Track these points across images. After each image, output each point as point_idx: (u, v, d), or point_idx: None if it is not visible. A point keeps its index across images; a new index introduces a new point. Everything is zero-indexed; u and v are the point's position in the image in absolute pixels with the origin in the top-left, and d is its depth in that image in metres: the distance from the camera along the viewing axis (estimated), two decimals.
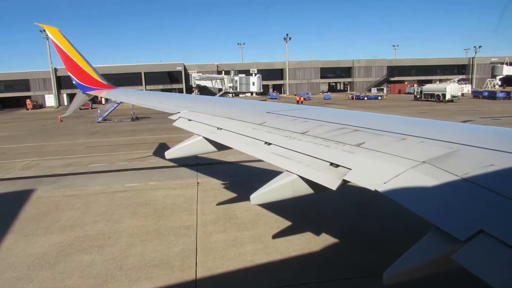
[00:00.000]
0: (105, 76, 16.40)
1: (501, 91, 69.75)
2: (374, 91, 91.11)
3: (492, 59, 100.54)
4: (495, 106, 52.27)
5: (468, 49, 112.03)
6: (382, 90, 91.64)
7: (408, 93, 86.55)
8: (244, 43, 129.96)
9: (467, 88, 78.01)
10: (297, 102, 66.16)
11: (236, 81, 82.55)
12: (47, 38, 68.52)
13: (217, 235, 9.96)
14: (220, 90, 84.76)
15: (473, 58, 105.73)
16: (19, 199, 13.71)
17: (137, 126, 38.45)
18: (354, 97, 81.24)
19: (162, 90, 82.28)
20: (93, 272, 8.17)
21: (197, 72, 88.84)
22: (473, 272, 2.09)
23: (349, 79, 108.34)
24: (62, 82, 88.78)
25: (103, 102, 61.67)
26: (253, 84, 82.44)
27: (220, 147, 6.62)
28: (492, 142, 3.59)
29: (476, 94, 75.21)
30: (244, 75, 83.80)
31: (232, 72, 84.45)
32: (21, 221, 11.49)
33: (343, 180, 3.55)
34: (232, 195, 13.24)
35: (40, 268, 8.40)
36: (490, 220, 2.37)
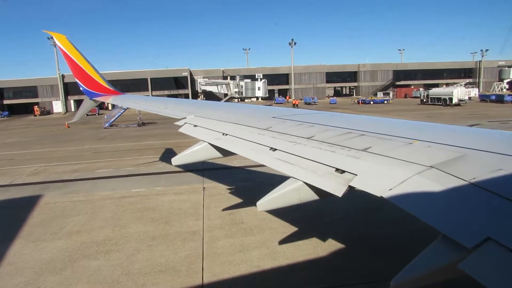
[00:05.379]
0: (111, 82, 16.55)
1: (509, 95, 69.15)
2: (380, 95, 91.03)
3: (499, 63, 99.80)
4: (503, 110, 51.85)
5: (475, 52, 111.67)
6: (388, 94, 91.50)
7: (415, 97, 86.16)
8: (249, 48, 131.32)
9: (474, 92, 77.46)
10: (294, 105, 67.76)
11: (242, 86, 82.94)
12: (55, 45, 69.48)
13: (223, 240, 9.94)
14: (225, 95, 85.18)
15: (480, 61, 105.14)
16: (27, 204, 13.82)
17: (144, 132, 38.67)
18: (360, 101, 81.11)
19: (168, 95, 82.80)
20: (99, 277, 8.19)
21: (203, 78, 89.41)
22: (480, 281, 2.05)
23: (355, 84, 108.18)
24: (70, 89, 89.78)
25: (110, 108, 62.19)
26: (259, 89, 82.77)
27: (225, 153, 6.63)
28: (500, 146, 3.55)
29: (483, 98, 74.71)
30: (249, 80, 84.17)
31: (237, 77, 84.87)
32: (28, 226, 11.57)
33: (349, 186, 3.54)
34: (238, 200, 13.24)
35: (47, 274, 8.44)
36: (498, 227, 2.33)
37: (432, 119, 41.64)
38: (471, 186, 2.81)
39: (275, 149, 4.99)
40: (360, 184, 3.46)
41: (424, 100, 70.35)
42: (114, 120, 47.03)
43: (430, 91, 70.90)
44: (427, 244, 2.60)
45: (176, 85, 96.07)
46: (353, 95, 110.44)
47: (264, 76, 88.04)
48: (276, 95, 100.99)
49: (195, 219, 11.62)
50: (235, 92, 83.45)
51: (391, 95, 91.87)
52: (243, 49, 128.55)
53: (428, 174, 3.18)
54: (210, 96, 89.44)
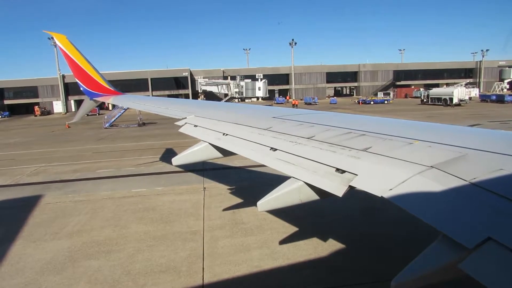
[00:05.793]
0: (112, 82, 16.56)
1: (509, 95, 69.10)
2: (380, 95, 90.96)
3: (500, 63, 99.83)
4: (503, 110, 51.83)
5: (475, 52, 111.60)
6: (388, 94, 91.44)
7: (415, 97, 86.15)
8: (250, 49, 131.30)
9: (474, 92, 77.38)
10: (293, 105, 68.78)
11: (242, 86, 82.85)
12: (55, 45, 69.45)
13: (223, 240, 9.94)
14: (226, 95, 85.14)
15: (480, 61, 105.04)
16: (27, 204, 13.83)
17: (144, 132, 38.68)
18: (361, 101, 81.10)
19: (169, 95, 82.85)
20: (100, 277, 8.19)
21: (203, 78, 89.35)
22: (480, 281, 2.05)
23: (355, 84, 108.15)
24: (70, 89, 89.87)
25: (110, 108, 62.20)
26: (259, 89, 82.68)
27: (226, 153, 6.63)
28: (501, 146, 3.55)
29: (483, 98, 74.65)
30: (250, 80, 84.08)
31: (238, 77, 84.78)
32: (29, 226, 11.58)
33: (349, 186, 3.53)
34: (238, 200, 13.24)
35: (48, 274, 8.45)
36: (498, 227, 2.33)
37: (432, 119, 41.63)
38: (471, 186, 2.80)
39: (276, 149, 4.99)
40: (361, 184, 3.46)
41: (425, 100, 70.33)
42: (114, 120, 47.04)
43: (430, 91, 70.86)
44: (427, 244, 2.60)
45: (177, 85, 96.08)
46: (353, 95, 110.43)
47: (265, 76, 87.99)
48: (277, 95, 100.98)
49: (195, 219, 11.62)
50: (236, 92, 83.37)
51: (391, 95, 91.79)
52: (244, 49, 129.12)
53: (428, 174, 3.17)
54: (210, 96, 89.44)
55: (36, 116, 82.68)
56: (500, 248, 2.15)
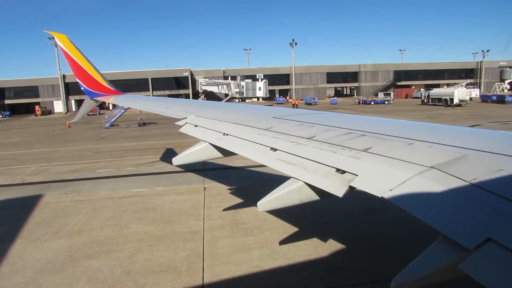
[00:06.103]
0: (112, 82, 16.57)
1: (510, 95, 69.01)
2: (381, 95, 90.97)
3: (501, 63, 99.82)
4: (504, 110, 51.77)
5: (476, 53, 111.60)
6: (389, 94, 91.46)
7: (416, 97, 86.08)
8: (250, 49, 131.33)
9: (475, 92, 77.29)
10: (293, 105, 69.17)
11: (243, 86, 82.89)
12: (56, 45, 69.47)
13: (224, 240, 9.94)
14: (226, 95, 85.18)
15: (481, 62, 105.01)
16: (28, 204, 13.84)
17: (144, 132, 38.69)
18: (361, 101, 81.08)
19: (169, 95, 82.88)
20: (100, 277, 8.19)
21: (204, 78, 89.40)
22: (480, 281, 2.05)
23: (356, 84, 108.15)
24: (71, 88, 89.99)
25: (111, 108, 62.22)
26: (260, 89, 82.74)
27: (226, 153, 6.63)
28: (501, 147, 3.55)
29: (484, 99, 74.61)
30: (250, 80, 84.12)
31: (238, 78, 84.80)
32: (29, 226, 11.58)
33: (350, 186, 3.53)
34: (238, 200, 13.24)
35: (48, 273, 8.45)
36: (498, 227, 2.33)
37: (433, 119, 41.60)
38: (471, 186, 2.80)
39: (276, 149, 4.99)
40: (361, 185, 3.46)
41: (425, 101, 70.29)
42: (115, 120, 47.06)
43: (431, 91, 70.81)
44: (427, 245, 2.59)
45: (177, 85, 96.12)
46: (354, 95, 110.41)
47: (265, 76, 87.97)
48: (277, 95, 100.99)
49: (195, 219, 11.62)
50: (236, 92, 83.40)
51: (392, 95, 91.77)
52: (244, 49, 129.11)
53: (428, 174, 3.17)
54: (211, 96, 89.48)
55: (36, 115, 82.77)
56: (500, 249, 2.15)
